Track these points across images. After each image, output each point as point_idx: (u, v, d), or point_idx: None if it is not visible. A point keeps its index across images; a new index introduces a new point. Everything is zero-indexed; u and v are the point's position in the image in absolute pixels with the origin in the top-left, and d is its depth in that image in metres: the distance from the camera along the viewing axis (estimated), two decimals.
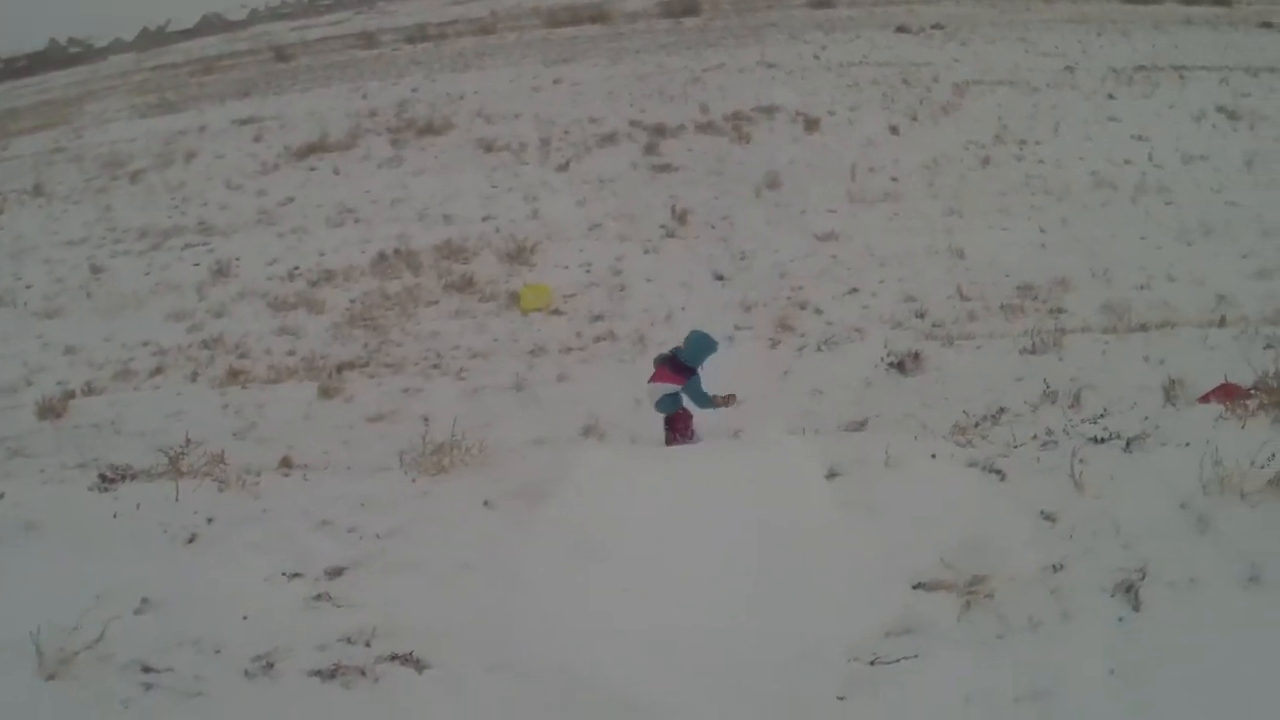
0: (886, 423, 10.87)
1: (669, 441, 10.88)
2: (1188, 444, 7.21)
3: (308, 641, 6.04)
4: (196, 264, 21.75)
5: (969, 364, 12.69)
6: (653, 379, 10.83)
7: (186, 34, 74.35)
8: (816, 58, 36.80)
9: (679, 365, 10.72)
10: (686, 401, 10.80)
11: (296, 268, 20.59)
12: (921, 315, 15.09)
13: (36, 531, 7.48)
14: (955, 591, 6.07)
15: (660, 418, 11.07)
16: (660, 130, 28.37)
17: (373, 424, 12.72)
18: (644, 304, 15.70)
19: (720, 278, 17.30)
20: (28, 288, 21.84)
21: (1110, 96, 28.86)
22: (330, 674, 5.77)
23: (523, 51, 45.05)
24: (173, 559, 7.04)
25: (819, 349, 13.66)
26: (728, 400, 10.92)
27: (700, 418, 11.03)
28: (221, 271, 20.80)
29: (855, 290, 16.21)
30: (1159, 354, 12.22)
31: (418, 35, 53.20)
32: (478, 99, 35.22)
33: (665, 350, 11.16)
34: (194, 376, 15.31)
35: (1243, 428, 7.41)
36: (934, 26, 41.45)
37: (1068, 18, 43.20)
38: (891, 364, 12.79)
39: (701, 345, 10.72)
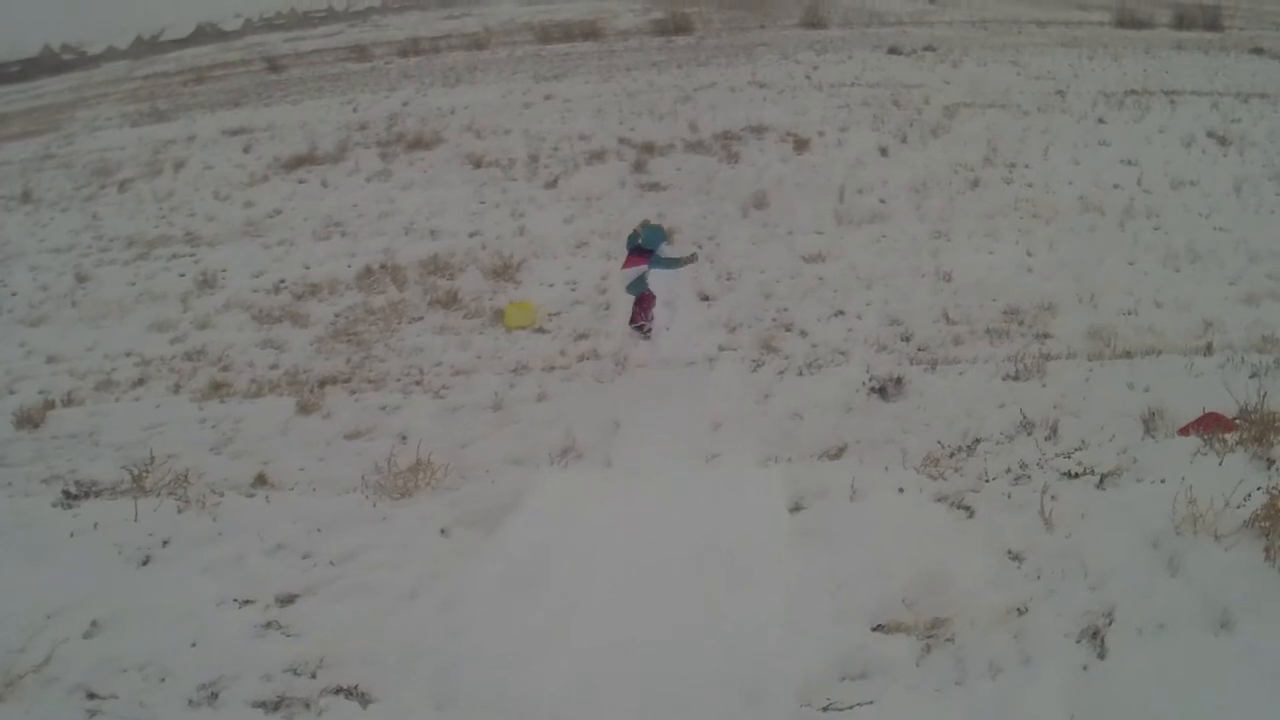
0: (865, 448, 10.81)
1: (634, 318, 15.46)
2: (1163, 480, 7.14)
3: (254, 671, 5.97)
4: (182, 274, 21.61)
5: (951, 389, 12.60)
6: (625, 266, 15.01)
7: (180, 43, 74.23)
8: (808, 78, 36.76)
9: (642, 251, 14.82)
10: (654, 277, 14.67)
11: (282, 280, 20.44)
12: (907, 338, 14.93)
13: None
14: (915, 634, 5.98)
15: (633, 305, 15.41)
16: (649, 148, 28.28)
17: (350, 440, 12.60)
18: (628, 323, 15.60)
19: (705, 297, 17.15)
20: (13, 295, 21.69)
21: (1101, 120, 28.79)
22: (274, 706, 5.69)
23: (514, 67, 44.96)
24: (126, 581, 6.96)
25: (800, 372, 13.58)
26: (691, 258, 15.16)
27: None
28: (207, 282, 20.65)
29: (841, 312, 16.04)
30: (1143, 381, 12.16)
31: (410, 49, 53.05)
32: (468, 114, 35.15)
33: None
34: (176, 388, 15.16)
35: (1220, 464, 7.33)
36: (926, 48, 41.38)
37: (1060, 41, 43.18)
38: (873, 388, 12.70)
39: (656, 233, 14.95)
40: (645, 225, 15.44)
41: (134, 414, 14.06)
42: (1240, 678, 5.26)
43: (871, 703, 5.49)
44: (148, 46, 73.72)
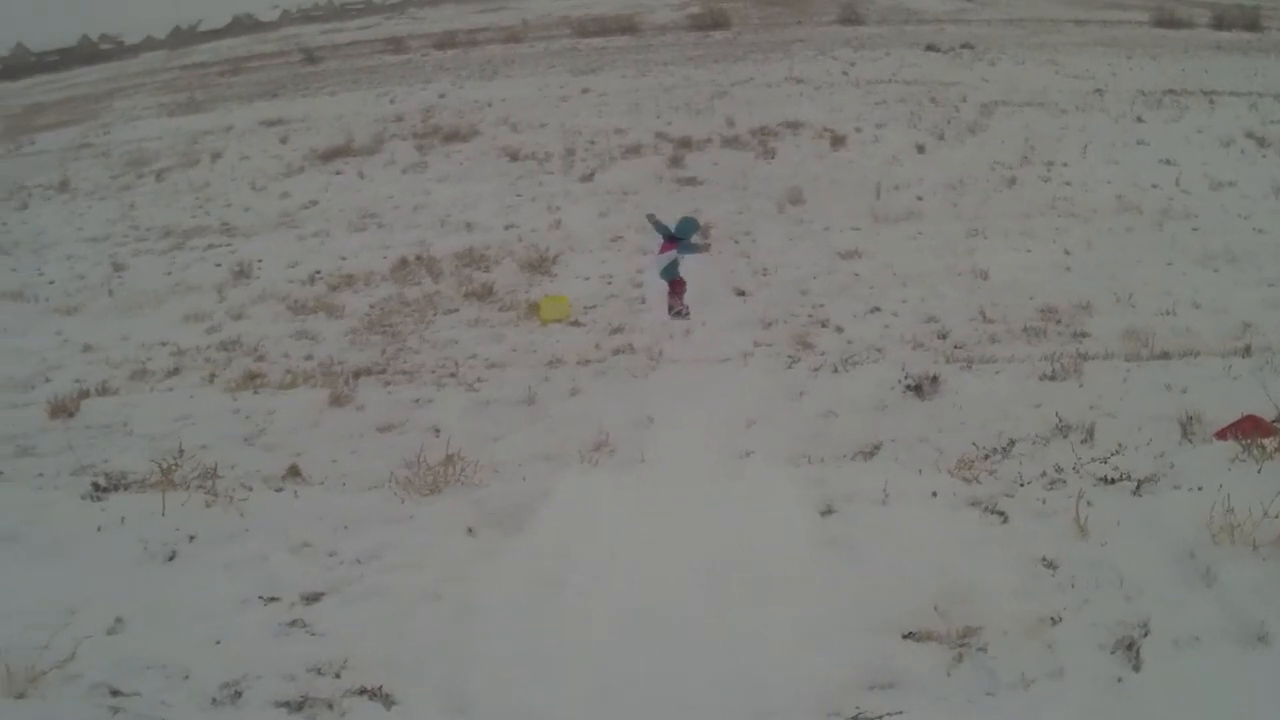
0: (899, 448, 10.70)
1: (670, 305, 16.08)
2: (1200, 487, 7.00)
3: (277, 670, 5.92)
4: (218, 265, 21.74)
5: (987, 389, 12.46)
6: (660, 252, 16.02)
7: (217, 34, 74.71)
8: (845, 74, 36.78)
9: (673, 239, 16.00)
10: (686, 262, 15.98)
11: (317, 271, 20.54)
12: (943, 336, 14.82)
13: (18, 543, 7.39)
14: (946, 643, 5.88)
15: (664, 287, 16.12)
16: (685, 143, 28.35)
17: (382, 433, 12.54)
18: (663, 313, 15.57)
19: (741, 293, 17.11)
20: (49, 283, 21.85)
21: (1139, 120, 28.70)
22: (297, 706, 5.64)
23: (550, 61, 45.09)
24: (151, 577, 6.93)
25: (835, 369, 13.46)
26: (706, 246, 17.60)
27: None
28: (242, 273, 20.76)
29: (876, 309, 15.97)
30: (1180, 383, 12.01)
31: (447, 41, 53.28)
32: (504, 107, 35.28)
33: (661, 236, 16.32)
34: (210, 379, 15.15)
35: (1259, 471, 7.21)
36: (963, 46, 41.31)
37: (1097, 40, 43.02)
38: (909, 387, 12.57)
39: (689, 224, 16.37)
40: (652, 218, 16.83)
41: (167, 404, 14.05)
42: (1276, 693, 5.18)
43: (900, 713, 5.40)
44: (185, 37, 74.18)
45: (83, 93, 53.11)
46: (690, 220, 16.44)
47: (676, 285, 15.93)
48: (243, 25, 77.04)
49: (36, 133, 42.75)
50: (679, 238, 15.92)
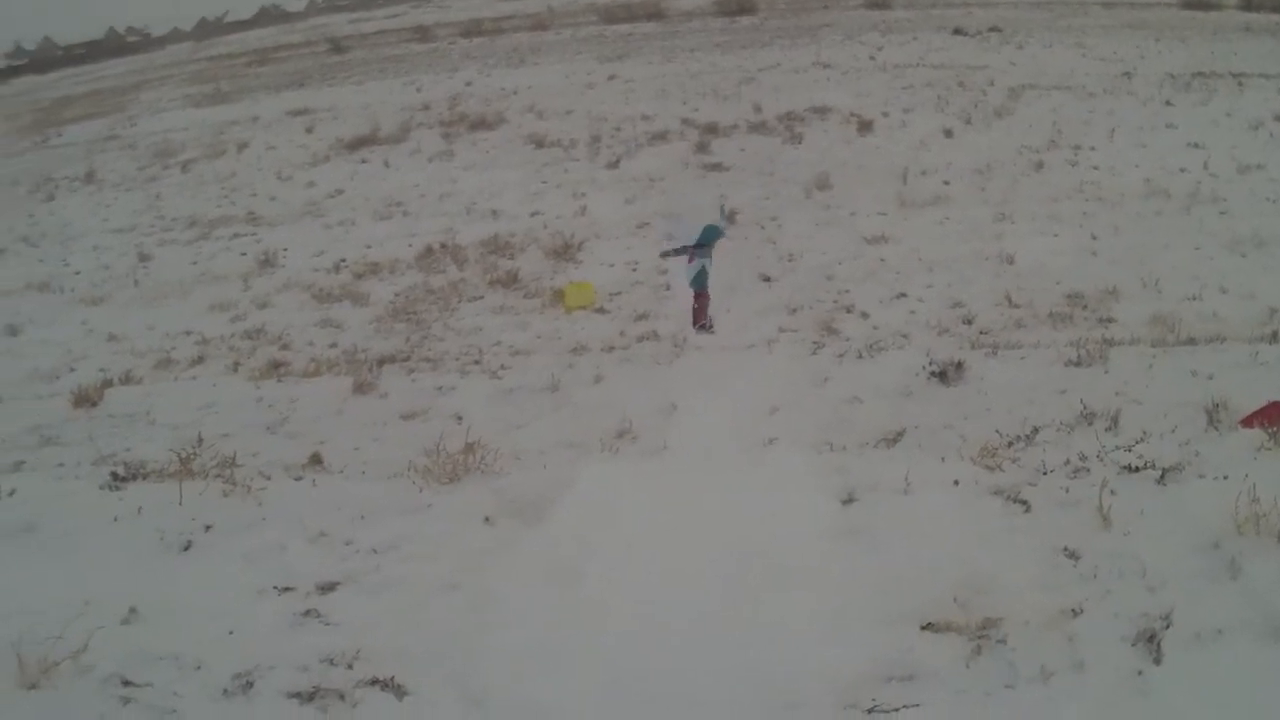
0: (923, 435, 10.59)
1: (695, 318, 15.38)
2: (1226, 476, 6.94)
3: (290, 661, 5.89)
4: (243, 254, 21.82)
5: (1013, 375, 12.33)
6: (689, 260, 15.21)
7: (244, 25, 74.90)
8: (872, 59, 36.66)
9: (698, 247, 15.20)
10: (708, 267, 15.35)
11: (342, 259, 20.60)
12: (969, 321, 14.73)
13: (34, 533, 7.39)
14: (965, 634, 5.82)
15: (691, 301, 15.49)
16: (712, 129, 28.30)
17: (406, 421, 12.49)
18: (688, 304, 15.49)
19: (766, 279, 17.05)
20: (76, 274, 21.93)
21: (1167, 103, 28.52)
22: (309, 697, 5.62)
23: (577, 48, 45.07)
24: (166, 567, 6.92)
25: (860, 355, 13.37)
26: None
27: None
28: (268, 262, 20.81)
29: (902, 295, 15.88)
30: (1207, 369, 11.84)
31: (473, 29, 53.29)
32: (530, 94, 35.30)
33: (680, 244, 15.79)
34: (235, 368, 15.16)
35: None
36: (991, 30, 41.10)
37: (1126, 23, 42.75)
38: (933, 373, 12.47)
39: (712, 231, 15.34)
40: (666, 253, 16.21)
41: (191, 393, 14.05)
42: None
43: (918, 705, 5.35)
44: (211, 28, 74.45)
45: (109, 85, 53.36)
46: (714, 228, 15.66)
47: (701, 298, 15.44)
48: (269, 16, 77.35)
49: (64, 125, 42.96)
50: (704, 244, 15.34)
